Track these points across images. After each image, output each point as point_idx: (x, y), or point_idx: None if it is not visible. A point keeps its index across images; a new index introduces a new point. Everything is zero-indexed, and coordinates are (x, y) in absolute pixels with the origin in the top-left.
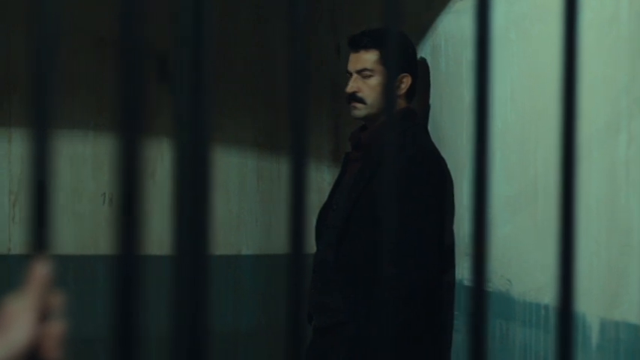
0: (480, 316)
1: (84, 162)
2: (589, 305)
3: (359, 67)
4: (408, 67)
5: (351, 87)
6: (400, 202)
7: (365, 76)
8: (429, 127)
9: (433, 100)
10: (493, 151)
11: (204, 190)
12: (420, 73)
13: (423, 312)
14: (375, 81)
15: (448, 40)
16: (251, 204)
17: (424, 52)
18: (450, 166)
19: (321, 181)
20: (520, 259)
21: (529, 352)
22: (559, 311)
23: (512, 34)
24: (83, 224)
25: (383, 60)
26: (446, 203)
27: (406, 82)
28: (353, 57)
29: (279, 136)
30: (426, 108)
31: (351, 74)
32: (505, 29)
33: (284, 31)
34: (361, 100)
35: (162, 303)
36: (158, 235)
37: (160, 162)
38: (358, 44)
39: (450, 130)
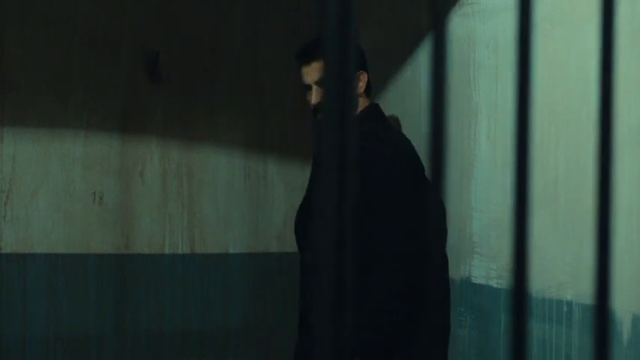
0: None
1: (74, 161)
2: (621, 301)
3: (316, 77)
4: (363, 64)
5: (315, 98)
6: (380, 202)
7: None
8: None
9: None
10: (508, 151)
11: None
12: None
13: (412, 310)
14: None
15: (453, 42)
16: (239, 203)
17: (425, 54)
18: (456, 167)
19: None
20: (538, 256)
21: (548, 346)
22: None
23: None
24: (74, 223)
25: None
26: (429, 201)
27: (363, 79)
28: (307, 70)
29: (267, 137)
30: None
31: (309, 87)
32: None
33: (274, 35)
34: None
35: (152, 301)
36: (147, 233)
37: (150, 162)
38: (309, 56)
39: (457, 131)
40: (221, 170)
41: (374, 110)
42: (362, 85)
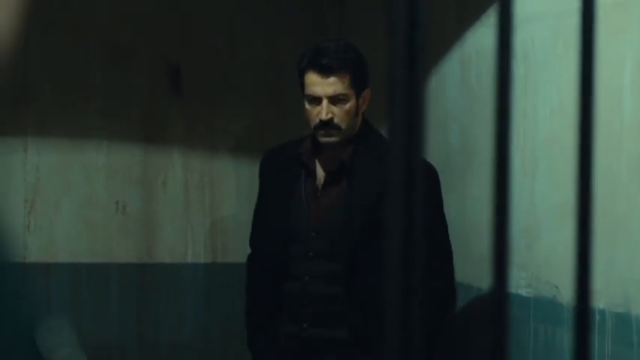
0: None
1: (97, 171)
2: None
3: (331, 92)
4: (369, 81)
5: (326, 113)
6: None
7: (339, 101)
8: (460, 139)
9: (463, 111)
10: (537, 160)
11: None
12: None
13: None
14: (349, 105)
15: (480, 51)
16: None
17: (451, 63)
18: (485, 176)
19: None
20: (569, 265)
21: None
22: None
23: (559, 47)
24: (96, 232)
25: (353, 82)
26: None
27: (369, 97)
28: (321, 81)
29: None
30: None
31: (318, 99)
32: (553, 43)
33: (294, 41)
34: (337, 127)
35: (174, 309)
36: (169, 243)
37: (172, 171)
38: (329, 70)
39: (485, 141)
40: (242, 179)
41: (370, 124)
42: (366, 104)
